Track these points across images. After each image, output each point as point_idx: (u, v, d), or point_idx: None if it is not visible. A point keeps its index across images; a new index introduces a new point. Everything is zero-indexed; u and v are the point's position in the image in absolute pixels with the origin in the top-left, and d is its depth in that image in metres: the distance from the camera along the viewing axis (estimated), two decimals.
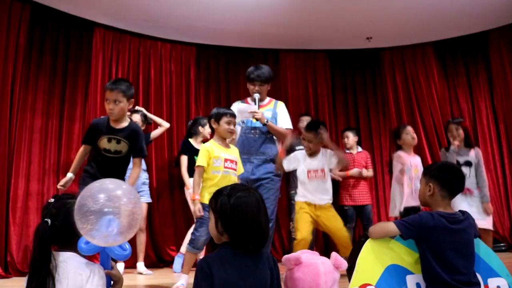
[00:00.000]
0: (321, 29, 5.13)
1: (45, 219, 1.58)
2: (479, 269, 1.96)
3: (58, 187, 2.90)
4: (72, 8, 4.51)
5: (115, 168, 2.81)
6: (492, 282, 1.98)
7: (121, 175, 2.86)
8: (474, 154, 3.76)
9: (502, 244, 4.87)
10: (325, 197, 3.39)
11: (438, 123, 5.38)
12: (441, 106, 5.47)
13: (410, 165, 3.70)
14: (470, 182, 3.54)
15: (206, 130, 4.52)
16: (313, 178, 3.39)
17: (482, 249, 2.03)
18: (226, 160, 3.01)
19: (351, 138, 4.90)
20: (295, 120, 5.23)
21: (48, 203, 1.65)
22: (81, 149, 2.95)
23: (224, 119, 3.03)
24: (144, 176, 4.33)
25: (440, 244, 1.84)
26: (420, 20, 5.00)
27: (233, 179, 3.02)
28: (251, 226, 1.46)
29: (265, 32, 5.18)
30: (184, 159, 4.43)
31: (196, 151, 4.47)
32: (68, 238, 1.61)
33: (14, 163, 4.01)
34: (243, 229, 1.46)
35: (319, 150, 3.47)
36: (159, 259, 4.70)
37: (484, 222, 3.52)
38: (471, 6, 4.73)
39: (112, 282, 1.70)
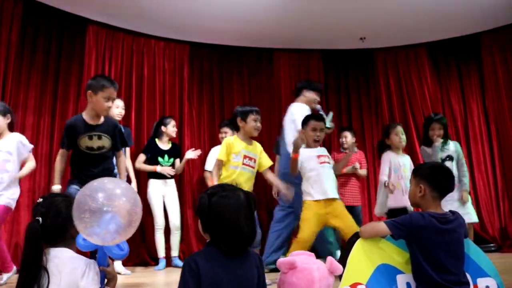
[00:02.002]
0: (315, 29, 5.14)
1: (37, 218, 1.59)
2: (469, 269, 1.97)
3: None
4: (65, 5, 4.48)
5: (101, 164, 2.80)
6: (481, 282, 2.00)
7: (109, 171, 2.85)
8: (453, 148, 3.88)
9: (492, 245, 4.88)
10: (336, 189, 3.20)
11: None
12: (433, 107, 5.49)
13: (398, 164, 3.65)
14: None
15: (169, 129, 4.51)
16: (325, 163, 3.22)
17: (472, 249, 2.05)
18: (245, 157, 3.03)
19: (349, 138, 4.85)
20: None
21: (37, 203, 1.67)
22: (59, 156, 2.87)
23: (251, 117, 3.04)
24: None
25: (430, 244, 1.85)
26: (413, 21, 5.03)
27: (251, 176, 3.05)
28: (227, 227, 1.44)
29: (260, 31, 5.18)
30: (141, 157, 4.44)
31: (160, 152, 4.45)
32: (60, 235, 1.63)
33: None
34: (219, 230, 1.45)
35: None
36: (151, 257, 4.68)
37: None
38: (463, 8, 4.76)
39: (106, 280, 1.70)
